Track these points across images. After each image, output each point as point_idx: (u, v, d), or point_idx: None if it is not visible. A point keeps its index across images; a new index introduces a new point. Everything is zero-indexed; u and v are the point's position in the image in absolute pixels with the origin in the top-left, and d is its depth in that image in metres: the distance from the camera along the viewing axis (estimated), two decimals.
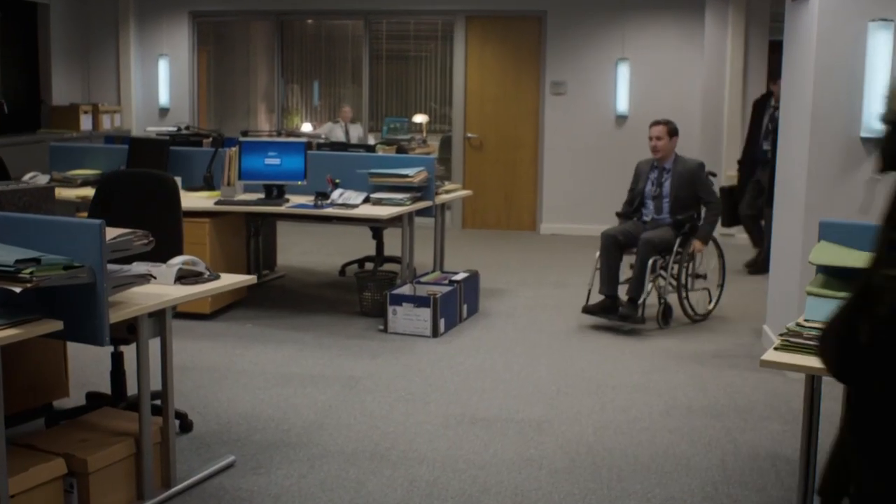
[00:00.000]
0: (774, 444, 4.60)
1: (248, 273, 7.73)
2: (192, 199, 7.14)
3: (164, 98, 11.81)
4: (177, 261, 4.07)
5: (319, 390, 5.32)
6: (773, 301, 6.29)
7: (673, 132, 6.93)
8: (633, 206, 7.09)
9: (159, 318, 3.82)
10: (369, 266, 8.56)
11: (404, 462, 4.32)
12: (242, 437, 4.63)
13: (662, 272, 6.77)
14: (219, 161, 7.50)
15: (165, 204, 4.73)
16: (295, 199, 7.04)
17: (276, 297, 7.71)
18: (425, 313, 6.44)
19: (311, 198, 7.06)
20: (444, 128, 11.91)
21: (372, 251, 8.52)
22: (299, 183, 7.03)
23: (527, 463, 4.34)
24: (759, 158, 8.74)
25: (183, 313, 6.63)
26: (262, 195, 7.10)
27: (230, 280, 4.14)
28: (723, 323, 6.97)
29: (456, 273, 7.15)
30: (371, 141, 12.50)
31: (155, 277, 3.79)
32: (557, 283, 8.27)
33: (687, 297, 6.93)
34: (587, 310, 6.73)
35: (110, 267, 3.57)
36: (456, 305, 6.77)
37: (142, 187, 4.84)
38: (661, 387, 5.45)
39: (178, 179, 7.56)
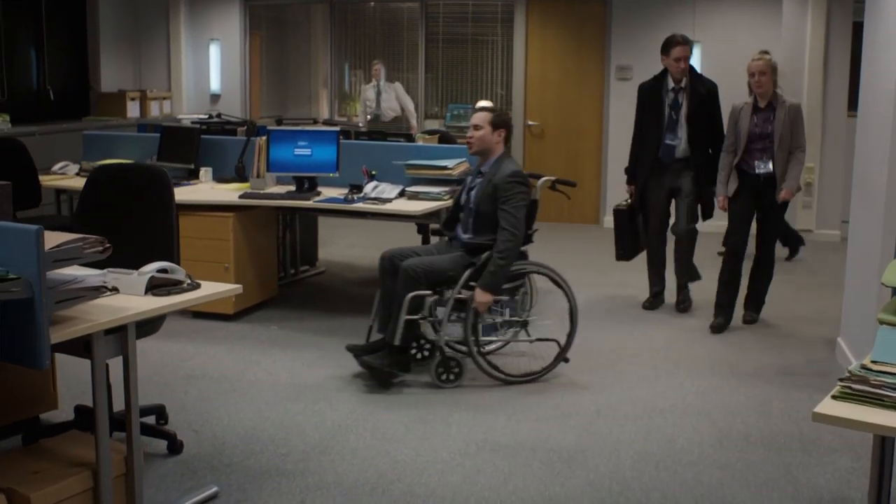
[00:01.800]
0: (841, 485, 3.96)
1: (281, 269, 7.34)
2: (218, 192, 6.70)
3: (215, 84, 11.43)
4: (149, 268, 3.58)
5: (332, 406, 4.82)
6: (848, 312, 5.61)
7: (497, 124, 5.42)
8: (453, 219, 5.60)
9: (121, 335, 3.34)
10: None
11: (407, 499, 3.79)
12: (235, 461, 4.14)
13: (437, 311, 5.14)
14: (250, 151, 7.04)
15: (157, 200, 4.24)
16: (328, 192, 6.55)
17: (310, 296, 7.24)
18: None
19: (346, 190, 6.58)
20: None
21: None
22: (331, 175, 6.53)
23: (549, 503, 3.77)
24: (663, 160, 6.78)
25: (203, 313, 6.22)
26: (293, 187, 6.63)
27: (210, 290, 3.64)
28: (793, 332, 6.29)
29: None
30: (429, 125, 12.03)
31: (111, 289, 3.30)
32: (618, 283, 7.65)
33: (479, 350, 5.21)
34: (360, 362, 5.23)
35: (57, 278, 3.10)
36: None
37: (130, 182, 4.36)
38: (717, 410, 4.82)
39: (209, 170, 7.23)
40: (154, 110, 10.94)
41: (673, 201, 6.83)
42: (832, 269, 8.25)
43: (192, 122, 8.15)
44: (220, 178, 7.22)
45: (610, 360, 5.69)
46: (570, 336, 5.43)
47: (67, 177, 7.60)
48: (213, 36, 11.38)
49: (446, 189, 6.30)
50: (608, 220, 10.27)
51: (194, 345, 5.63)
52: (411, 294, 5.04)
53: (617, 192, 10.22)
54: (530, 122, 10.65)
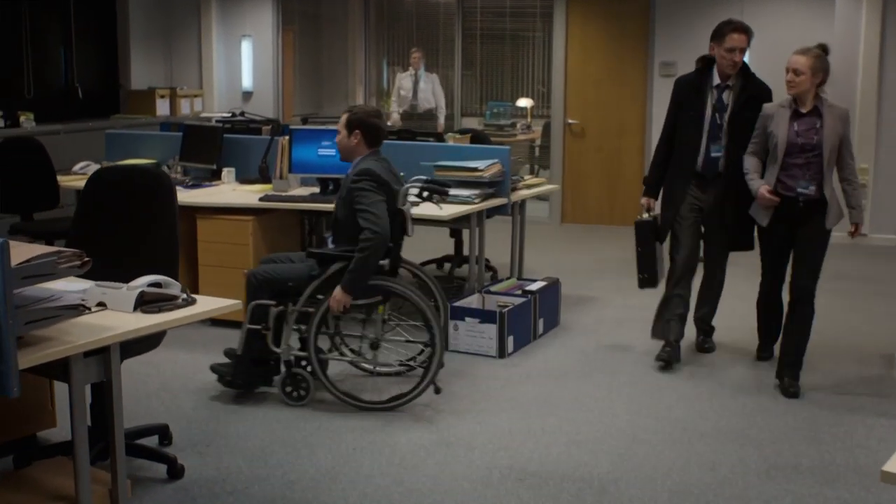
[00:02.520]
0: None
1: None
2: (239, 194, 6.42)
3: (247, 81, 11.17)
4: (140, 282, 3.29)
5: (349, 425, 4.50)
6: None
7: (350, 124, 5.02)
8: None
9: (104, 357, 3.04)
10: (449, 267, 7.73)
11: None
12: (239, 489, 3.84)
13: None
14: (274, 151, 6.75)
15: (159, 206, 3.95)
16: None
17: None
18: (491, 330, 5.56)
19: None
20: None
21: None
22: None
23: None
24: (705, 174, 5.44)
25: (221, 321, 5.92)
26: (317, 189, 6.34)
27: (206, 307, 3.34)
28: (845, 347, 5.87)
29: (533, 282, 6.24)
30: (467, 123, 11.69)
31: (99, 305, 3.00)
32: (654, 292, 7.25)
33: (320, 367, 4.81)
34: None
35: (31, 295, 2.81)
36: (529, 320, 5.87)
37: (131, 187, 4.08)
38: (764, 435, 4.44)
39: (232, 171, 6.94)
40: (184, 108, 10.70)
41: (704, 226, 5.50)
42: (888, 277, 7.81)
43: (216, 121, 7.87)
44: (243, 178, 6.94)
45: (647, 376, 5.31)
46: (429, 366, 4.75)
47: (87, 177, 7.36)
48: (245, 32, 11.12)
49: (476, 192, 5.97)
50: None
51: (208, 356, 5.34)
52: (253, 303, 4.79)
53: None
54: (570, 121, 10.27)
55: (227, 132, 7.63)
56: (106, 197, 4.09)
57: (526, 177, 6.80)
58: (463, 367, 5.40)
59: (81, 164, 7.56)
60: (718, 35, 5.35)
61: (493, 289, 6.08)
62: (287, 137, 6.45)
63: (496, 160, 6.16)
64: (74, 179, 7.19)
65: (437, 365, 4.73)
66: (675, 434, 4.44)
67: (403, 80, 11.13)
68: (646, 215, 5.67)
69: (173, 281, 3.40)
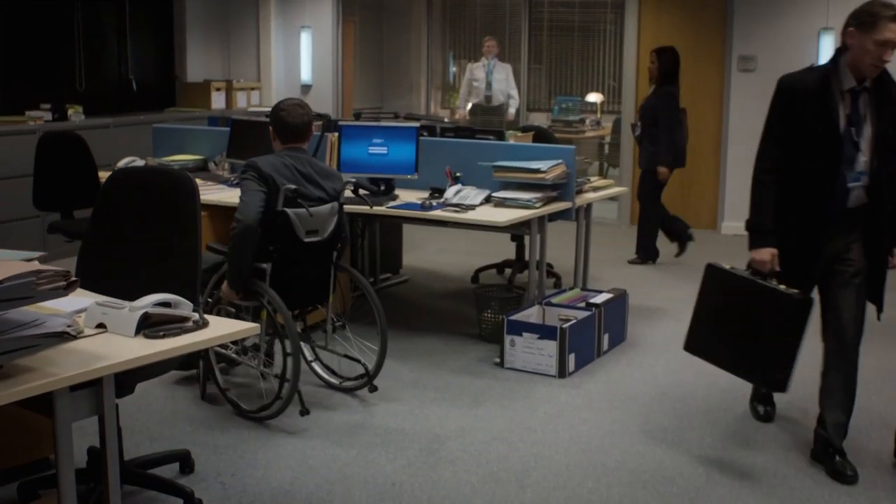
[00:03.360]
0: None
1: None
2: None
3: (305, 74, 10.80)
4: (145, 302, 2.88)
5: (388, 456, 4.07)
6: None
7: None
8: None
9: (96, 391, 2.65)
10: (510, 273, 7.29)
11: None
12: None
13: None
14: (323, 149, 6.36)
15: (180, 213, 3.55)
16: (407, 195, 5.82)
17: (387, 309, 6.48)
18: (550, 347, 5.09)
19: (427, 194, 5.85)
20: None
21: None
22: (408, 177, 5.79)
23: None
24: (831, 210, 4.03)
25: None
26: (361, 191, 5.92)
27: (219, 332, 2.92)
28: None
29: (598, 293, 5.75)
30: (535, 119, 11.20)
31: (76, 335, 2.60)
32: None
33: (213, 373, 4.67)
34: None
35: (12, 319, 2.43)
36: (593, 336, 5.39)
37: (147, 189, 3.68)
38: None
39: None
40: (241, 101, 10.37)
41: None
42: None
43: (266, 116, 7.49)
44: None
45: (722, 403, 4.80)
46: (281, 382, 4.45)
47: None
48: (304, 23, 10.76)
49: (538, 195, 5.49)
50: (726, 227, 9.35)
51: (242, 369, 4.96)
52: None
53: (737, 195, 9.24)
54: None
55: None
56: (122, 201, 3.70)
57: (593, 178, 6.29)
58: (519, 387, 4.95)
59: (126, 159, 7.23)
60: (867, 20, 3.80)
61: (554, 300, 5.61)
62: (336, 134, 6.04)
63: (560, 161, 5.68)
64: None
65: (292, 384, 4.36)
66: (756, 471, 3.94)
67: (476, 71, 10.64)
68: (737, 269, 4.25)
69: (183, 300, 2.99)
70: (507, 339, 5.19)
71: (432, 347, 5.63)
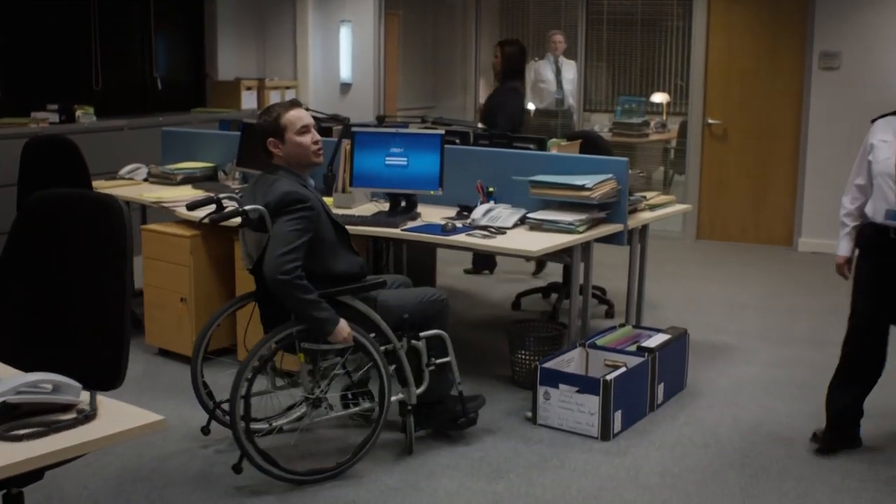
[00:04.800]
0: None
1: None
2: None
3: (345, 72, 10.02)
4: (5, 388, 2.10)
5: None
6: None
7: None
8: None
9: None
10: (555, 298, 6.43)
11: None
12: None
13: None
14: (340, 157, 5.57)
15: (106, 246, 2.78)
16: (430, 214, 5.01)
17: None
18: (592, 403, 4.22)
19: (454, 212, 5.03)
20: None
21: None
22: (432, 192, 4.96)
23: None
24: None
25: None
26: (386, 206, 5.12)
27: (108, 429, 2.11)
28: None
29: (653, 333, 4.86)
30: (596, 119, 10.26)
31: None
32: (812, 339, 5.78)
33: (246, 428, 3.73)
34: None
35: None
36: (645, 388, 4.51)
37: (66, 219, 2.91)
38: None
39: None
40: (274, 101, 9.57)
41: None
42: None
43: None
44: None
45: (808, 472, 3.90)
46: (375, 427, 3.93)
47: (133, 182, 6.32)
48: (343, 17, 9.97)
49: (582, 217, 4.62)
50: (804, 243, 8.35)
51: (177, 408, 4.18)
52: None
53: (817, 207, 8.25)
54: (710, 121, 8.77)
55: None
56: (38, 231, 2.93)
57: (650, 195, 5.39)
58: (552, 452, 4.09)
59: (129, 167, 6.54)
60: None
61: (599, 342, 4.73)
62: (349, 142, 5.23)
63: (610, 175, 4.80)
64: (113, 186, 6.16)
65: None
66: None
67: (542, 70, 9.66)
68: None
69: (69, 382, 2.20)
70: (541, 390, 4.34)
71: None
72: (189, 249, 5.10)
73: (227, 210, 3.88)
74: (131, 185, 6.21)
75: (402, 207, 5.05)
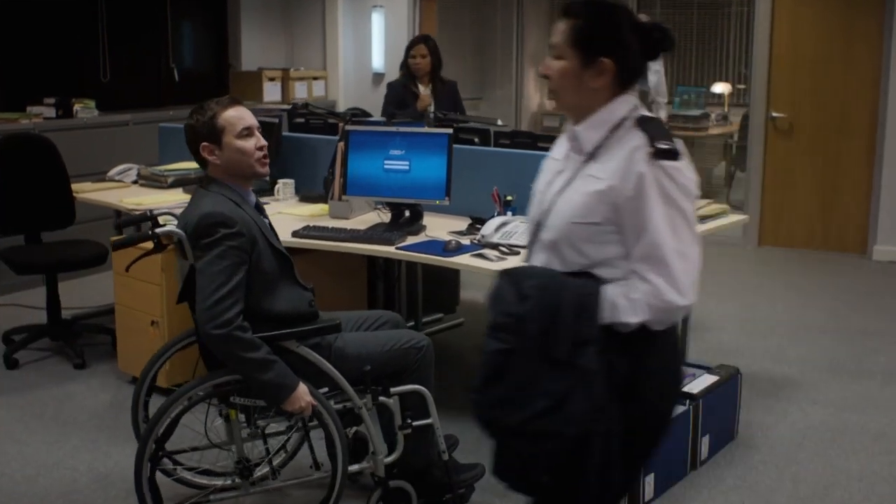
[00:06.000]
0: None
1: None
2: (282, 220, 4.53)
3: (377, 61, 9.30)
4: None
5: None
6: None
7: None
8: None
9: None
10: None
11: None
12: None
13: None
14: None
15: None
16: (438, 226, 4.29)
17: None
18: None
19: (466, 224, 4.31)
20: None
21: None
22: (437, 202, 4.24)
23: None
24: None
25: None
26: (388, 217, 4.40)
27: None
28: None
29: (698, 372, 4.07)
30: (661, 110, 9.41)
31: None
32: (891, 373, 4.95)
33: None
34: None
35: None
36: (685, 442, 3.73)
37: None
38: None
39: (290, 183, 5.11)
40: (299, 93, 8.96)
41: None
42: None
43: (280, 112, 6.04)
44: (305, 194, 5.10)
45: None
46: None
47: (120, 185, 5.68)
48: (376, 2, 9.25)
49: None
50: (880, 251, 7.46)
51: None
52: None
53: (894, 210, 7.37)
54: (774, 114, 7.89)
55: (301, 128, 5.85)
56: None
57: (700, 203, 4.58)
58: None
59: (120, 167, 5.91)
60: None
61: None
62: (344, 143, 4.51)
63: None
64: (96, 189, 5.52)
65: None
66: None
67: None
68: None
69: None
70: None
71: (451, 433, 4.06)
72: (161, 266, 4.41)
73: (159, 229, 3.18)
74: (116, 189, 5.57)
75: (405, 219, 4.34)
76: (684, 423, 3.69)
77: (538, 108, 11.84)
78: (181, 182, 5.54)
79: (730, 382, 4.01)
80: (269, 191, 5.15)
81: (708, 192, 9.88)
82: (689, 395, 3.75)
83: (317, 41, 9.45)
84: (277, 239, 3.24)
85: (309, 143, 5.32)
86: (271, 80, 8.78)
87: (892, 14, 7.30)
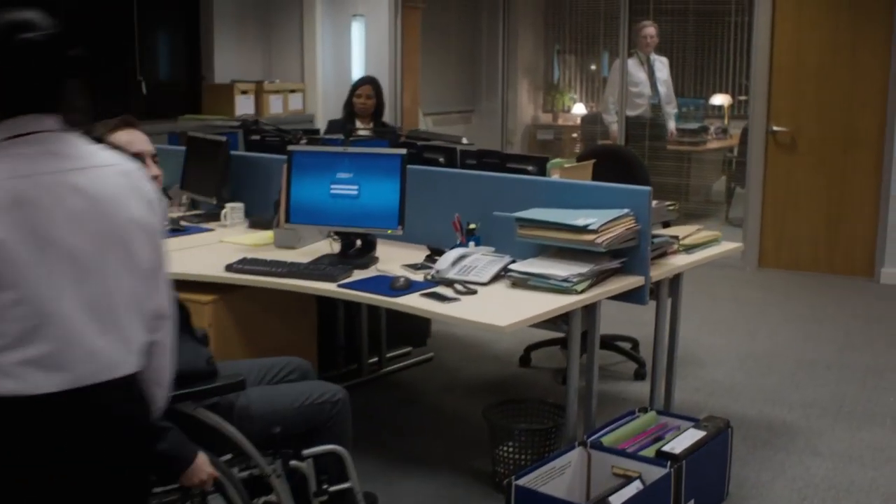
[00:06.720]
0: None
1: (353, 359, 4.81)
2: (221, 250, 4.08)
3: (357, 72, 8.81)
4: None
5: None
6: None
7: None
8: None
9: None
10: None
11: None
12: None
13: None
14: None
15: None
16: (392, 258, 3.82)
17: (386, 406, 4.54)
18: None
19: (424, 255, 3.84)
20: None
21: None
22: (389, 232, 3.77)
23: None
24: None
25: None
26: (338, 246, 3.93)
27: None
28: None
29: (683, 425, 3.59)
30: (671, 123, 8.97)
31: None
32: None
33: None
34: None
35: None
36: None
37: None
38: None
39: (239, 207, 4.63)
40: (274, 106, 8.49)
41: None
42: None
43: (231, 130, 5.57)
44: (256, 219, 4.64)
45: None
46: None
47: None
48: (356, 11, 8.80)
49: (582, 271, 3.37)
50: (888, 273, 6.98)
51: None
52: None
53: None
54: (775, 128, 7.42)
55: (258, 146, 5.39)
56: None
57: (685, 232, 4.09)
58: None
59: None
60: None
61: (608, 439, 3.46)
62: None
63: (626, 210, 3.55)
64: None
65: None
66: None
67: (633, 70, 8.36)
68: None
69: None
70: None
71: (410, 497, 3.60)
72: None
73: None
74: None
75: (356, 249, 3.87)
76: (664, 488, 3.21)
77: (532, 120, 11.40)
78: None
79: (719, 438, 3.51)
80: (216, 216, 4.70)
81: (707, 209, 9.42)
82: (671, 456, 3.27)
83: (294, 52, 8.99)
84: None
85: (261, 163, 4.85)
86: (244, 92, 8.31)
87: None
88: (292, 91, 8.74)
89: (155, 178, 2.79)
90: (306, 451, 2.79)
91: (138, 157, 2.75)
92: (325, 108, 8.87)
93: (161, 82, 8.36)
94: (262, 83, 8.47)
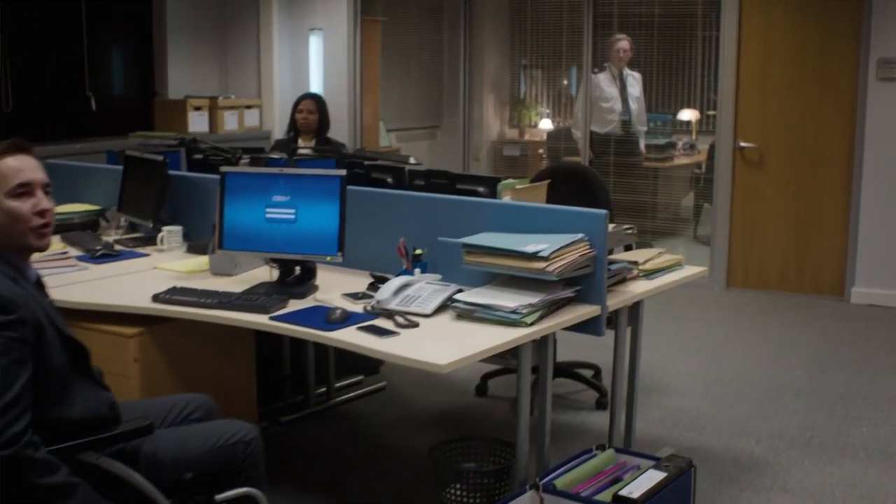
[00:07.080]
0: None
1: (297, 391, 4.54)
2: (151, 278, 3.82)
3: (315, 87, 8.58)
4: None
5: None
6: None
7: None
8: None
9: None
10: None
11: None
12: None
13: None
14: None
15: None
16: (333, 285, 3.58)
17: (320, 442, 4.27)
18: None
19: (367, 283, 3.60)
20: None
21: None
22: (328, 259, 3.52)
23: None
24: None
25: None
26: (276, 274, 3.67)
27: None
28: None
29: (642, 464, 3.36)
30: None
31: None
32: (874, 448, 4.25)
33: None
34: None
35: None
36: None
37: None
38: None
39: (176, 231, 4.36)
40: (229, 123, 8.23)
41: None
42: None
43: (164, 149, 5.29)
44: (194, 244, 4.37)
45: None
46: None
47: None
48: (314, 24, 8.56)
49: (532, 301, 3.13)
50: (858, 293, 6.80)
51: None
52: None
53: (875, 249, 6.72)
54: (743, 144, 7.24)
55: (199, 166, 5.13)
56: None
57: (644, 256, 3.87)
58: None
59: None
60: None
61: (561, 482, 3.21)
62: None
63: (580, 235, 3.32)
64: None
65: None
66: None
67: (604, 87, 8.11)
68: None
69: None
70: None
71: None
72: None
73: None
74: None
75: (295, 277, 3.62)
76: None
77: (498, 136, 11.17)
78: (63, 227, 4.76)
79: (681, 479, 3.27)
80: (153, 240, 4.44)
81: (675, 227, 9.22)
82: (629, 501, 3.03)
83: (251, 67, 8.74)
84: (65, 323, 2.50)
85: (201, 184, 4.58)
86: (197, 109, 8.04)
87: (868, 34, 6.67)
88: (248, 107, 8.50)
89: (46, 211, 2.51)
90: (219, 497, 2.55)
91: (26, 187, 2.48)
92: (282, 124, 8.58)
93: (112, 98, 8.09)
94: (216, 99, 8.22)
